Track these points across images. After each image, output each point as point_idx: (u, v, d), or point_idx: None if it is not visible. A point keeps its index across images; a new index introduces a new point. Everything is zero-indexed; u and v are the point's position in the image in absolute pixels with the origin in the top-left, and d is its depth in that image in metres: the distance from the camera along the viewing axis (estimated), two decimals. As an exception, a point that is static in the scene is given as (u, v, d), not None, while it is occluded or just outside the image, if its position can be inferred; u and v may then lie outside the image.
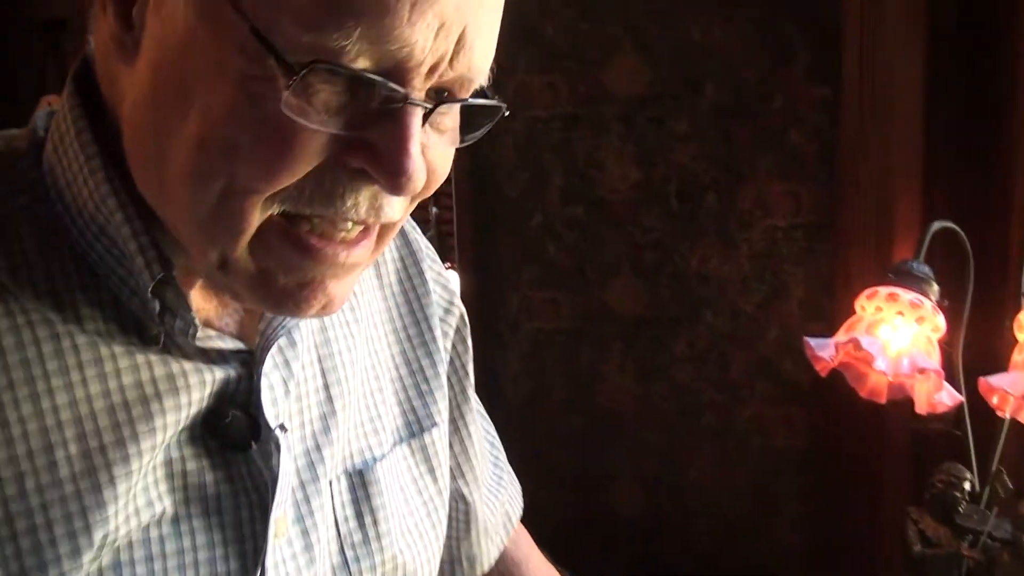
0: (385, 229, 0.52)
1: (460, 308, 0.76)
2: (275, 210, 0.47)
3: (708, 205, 1.85)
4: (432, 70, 0.45)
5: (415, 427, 0.69)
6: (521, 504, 0.85)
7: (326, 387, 0.62)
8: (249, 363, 0.56)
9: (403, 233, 0.72)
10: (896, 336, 1.24)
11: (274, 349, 0.57)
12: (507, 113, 0.50)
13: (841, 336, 1.26)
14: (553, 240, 1.93)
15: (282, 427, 0.57)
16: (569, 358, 1.87)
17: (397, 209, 0.50)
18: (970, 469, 1.26)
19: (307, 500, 0.59)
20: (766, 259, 1.81)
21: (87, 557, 0.50)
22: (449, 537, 0.78)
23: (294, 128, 0.44)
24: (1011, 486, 1.24)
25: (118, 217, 0.50)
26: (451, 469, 0.76)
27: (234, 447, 0.56)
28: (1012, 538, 1.19)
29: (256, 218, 0.47)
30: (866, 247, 1.58)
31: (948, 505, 1.25)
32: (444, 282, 0.75)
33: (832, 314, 1.58)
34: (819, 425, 1.84)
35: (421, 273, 0.72)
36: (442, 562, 0.80)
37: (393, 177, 0.46)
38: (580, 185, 1.93)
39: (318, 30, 0.42)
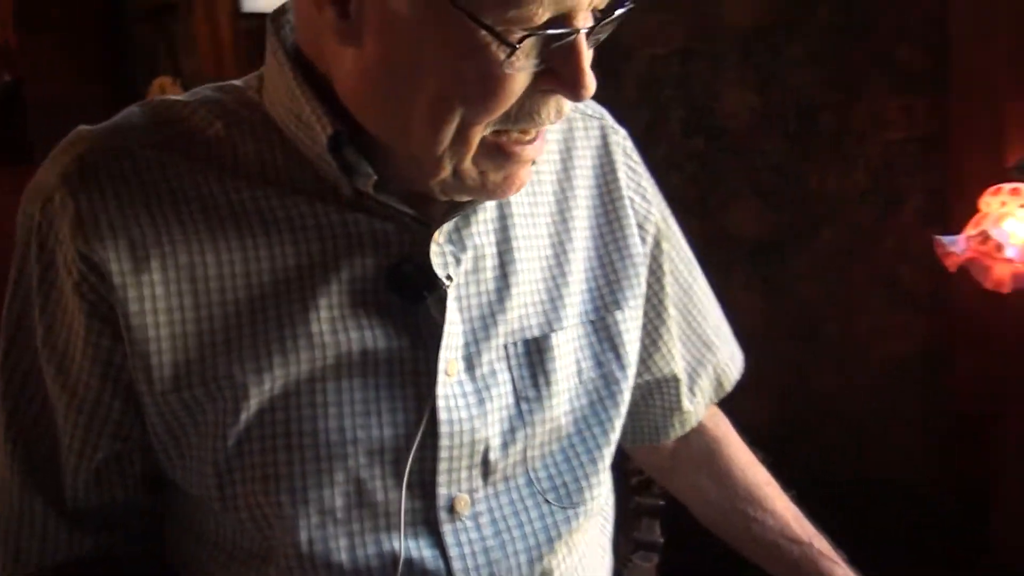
0: None
1: (658, 216, 0.89)
2: (488, 131, 0.65)
3: (824, 125, 1.94)
4: (589, 3, 0.62)
5: (601, 310, 0.82)
6: (738, 370, 0.99)
7: (501, 266, 0.77)
8: (426, 234, 0.72)
9: (606, 142, 0.87)
10: (1021, 226, 1.35)
11: (449, 226, 0.73)
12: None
13: (970, 230, 1.37)
14: (676, 171, 2.05)
15: (448, 277, 0.72)
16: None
17: (567, 109, 0.67)
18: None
19: (479, 353, 0.74)
20: (882, 173, 1.89)
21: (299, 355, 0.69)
22: (650, 405, 0.94)
23: (508, 77, 0.61)
24: None
25: (307, 109, 0.68)
26: (646, 347, 0.90)
27: (412, 297, 0.72)
28: None
29: (478, 140, 0.65)
30: (980, 153, 1.65)
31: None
32: (642, 192, 0.88)
33: (948, 221, 1.65)
34: (937, 331, 1.93)
35: (616, 180, 0.86)
36: (644, 425, 0.95)
37: (577, 90, 0.63)
38: (700, 117, 2.04)
39: (519, 7, 0.59)
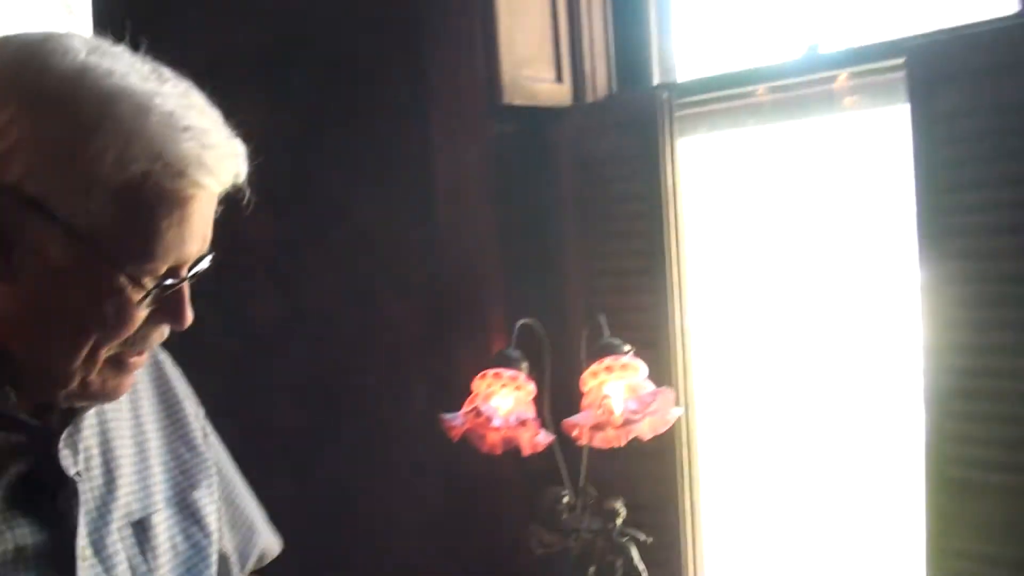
0: None
1: (203, 415, 1.13)
2: (112, 351, 0.84)
3: (346, 328, 2.21)
4: (190, 260, 0.85)
5: (181, 492, 1.02)
6: (279, 547, 1.20)
7: (106, 463, 0.93)
8: (51, 441, 0.87)
9: (158, 364, 1.07)
10: (503, 402, 1.70)
11: (66, 432, 0.88)
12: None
13: (466, 408, 1.70)
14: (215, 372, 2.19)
15: (78, 474, 0.88)
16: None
17: (167, 333, 0.89)
18: (565, 487, 1.75)
19: (102, 539, 0.89)
20: (396, 367, 2.17)
21: None
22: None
23: (137, 313, 0.82)
24: (595, 492, 1.74)
25: None
26: (217, 521, 1.08)
27: (49, 496, 0.86)
28: (601, 528, 1.68)
29: (104, 357, 0.83)
30: (473, 346, 2.00)
31: (555, 516, 1.72)
32: (191, 396, 1.12)
33: (452, 402, 1.95)
34: (454, 494, 2.18)
35: (172, 388, 1.08)
36: None
37: (182, 322, 0.86)
38: (234, 321, 2.22)
39: (152, 262, 0.81)
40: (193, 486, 1.04)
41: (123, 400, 0.97)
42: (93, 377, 0.84)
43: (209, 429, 1.14)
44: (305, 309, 2.22)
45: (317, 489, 2.19)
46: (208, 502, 1.05)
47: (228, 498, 1.14)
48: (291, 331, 2.24)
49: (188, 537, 1.00)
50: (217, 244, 0.88)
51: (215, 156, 0.81)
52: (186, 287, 0.85)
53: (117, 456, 0.95)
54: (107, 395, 0.88)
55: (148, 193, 0.78)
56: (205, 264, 0.87)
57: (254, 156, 0.87)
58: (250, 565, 1.16)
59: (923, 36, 1.69)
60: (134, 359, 0.87)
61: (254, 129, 0.90)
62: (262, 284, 2.27)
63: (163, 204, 0.79)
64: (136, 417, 1.01)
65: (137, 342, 0.85)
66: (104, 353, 0.83)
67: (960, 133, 1.56)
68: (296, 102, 2.17)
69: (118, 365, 0.85)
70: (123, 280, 0.79)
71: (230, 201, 0.88)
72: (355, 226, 2.14)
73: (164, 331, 0.88)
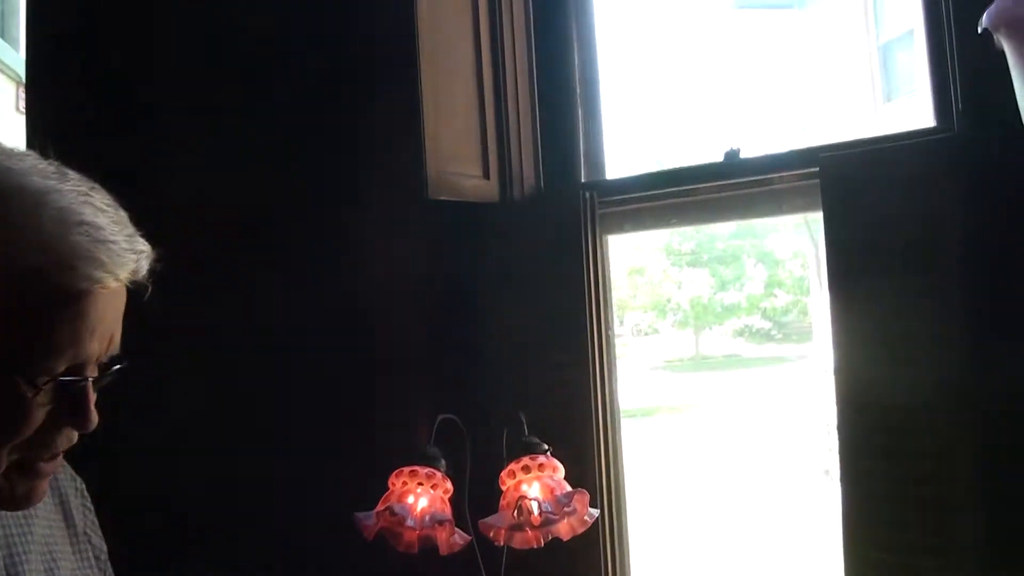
0: None
1: (104, 548, 1.10)
2: (16, 456, 0.81)
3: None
4: (98, 358, 0.83)
5: None
6: None
7: (10, 567, 0.90)
8: None
9: (60, 490, 1.04)
10: (419, 500, 1.67)
11: None
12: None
13: (380, 507, 1.67)
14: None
15: None
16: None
17: (75, 437, 0.86)
18: (483, 588, 1.71)
19: None
20: (317, 461, 2.13)
21: None
22: None
23: (32, 412, 0.80)
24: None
25: None
26: None
27: None
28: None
29: (5, 462, 0.80)
30: (394, 440, 1.98)
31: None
32: (88, 505, 1.09)
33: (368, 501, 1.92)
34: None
35: (73, 521, 1.04)
36: None
37: (86, 424, 0.84)
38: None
39: (45, 361, 0.78)
40: None
41: (29, 519, 0.96)
42: (0, 482, 0.81)
43: (106, 562, 1.11)
44: (226, 398, 2.18)
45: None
46: None
47: None
48: (212, 420, 2.19)
49: None
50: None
51: (109, 251, 0.80)
52: (89, 388, 0.82)
53: (22, 563, 0.92)
54: (18, 502, 0.84)
55: (40, 287, 0.76)
56: (115, 368, 0.85)
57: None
58: None
59: (835, 146, 1.75)
60: (43, 465, 0.84)
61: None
62: (185, 372, 2.23)
63: (54, 299, 0.77)
64: (44, 539, 0.98)
65: (42, 446, 0.82)
66: (5, 457, 0.80)
67: (868, 238, 1.62)
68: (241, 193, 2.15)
69: (27, 471, 0.82)
70: (16, 378, 0.77)
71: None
72: (281, 313, 2.12)
73: (71, 435, 0.85)
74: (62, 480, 1.05)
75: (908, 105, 10.07)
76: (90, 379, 0.82)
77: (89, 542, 1.06)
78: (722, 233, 22.49)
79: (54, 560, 0.98)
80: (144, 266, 0.84)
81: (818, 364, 11.56)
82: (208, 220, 2.02)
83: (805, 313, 20.66)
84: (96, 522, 1.09)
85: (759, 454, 12.86)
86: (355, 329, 2.02)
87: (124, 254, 0.81)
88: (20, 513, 0.94)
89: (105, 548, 1.09)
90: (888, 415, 1.61)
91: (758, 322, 24.08)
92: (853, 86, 11.56)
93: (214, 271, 1.99)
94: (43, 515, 0.99)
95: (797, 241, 18.70)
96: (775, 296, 23.46)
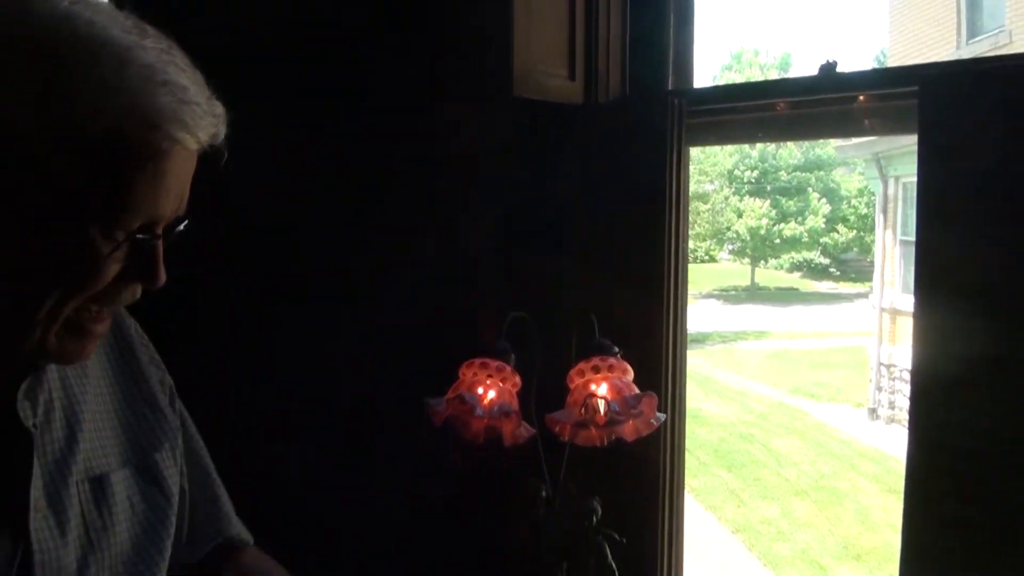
0: None
1: (170, 380, 1.12)
2: (76, 309, 0.82)
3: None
4: (169, 218, 0.85)
5: (141, 451, 1.02)
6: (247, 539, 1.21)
7: (67, 418, 0.93)
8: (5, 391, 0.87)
9: (121, 326, 1.06)
10: (488, 391, 1.70)
11: (25, 384, 0.88)
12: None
13: (450, 394, 1.70)
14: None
15: (34, 426, 0.88)
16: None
17: (139, 293, 0.88)
18: (544, 482, 1.75)
19: (57, 492, 0.89)
20: (389, 354, 2.17)
21: None
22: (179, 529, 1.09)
23: (107, 268, 0.81)
24: (574, 490, 1.74)
25: None
26: (181, 485, 1.09)
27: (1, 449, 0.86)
28: (577, 525, 1.69)
29: (64, 317, 0.82)
30: (465, 335, 2.00)
31: (533, 511, 1.72)
32: (157, 362, 1.11)
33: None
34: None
35: (134, 351, 1.07)
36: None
37: (155, 281, 0.85)
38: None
39: (125, 214, 0.80)
40: (155, 447, 1.03)
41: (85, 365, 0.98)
42: (51, 337, 0.82)
43: (179, 404, 1.13)
44: (307, 288, 2.21)
45: (299, 467, 2.20)
46: (170, 464, 1.05)
47: (195, 477, 1.14)
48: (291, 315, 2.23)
49: (146, 498, 1.00)
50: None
51: (192, 113, 0.81)
52: (160, 246, 0.84)
53: (78, 411, 0.95)
54: (64, 358, 0.87)
55: (123, 144, 0.77)
56: (182, 226, 0.87)
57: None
58: (207, 548, 1.16)
59: (937, 65, 1.69)
60: (96, 326, 0.86)
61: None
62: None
63: (137, 157, 0.79)
64: (98, 375, 1.01)
65: (105, 300, 0.84)
66: (68, 309, 0.81)
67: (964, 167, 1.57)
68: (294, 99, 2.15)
69: (79, 329, 0.84)
70: (93, 231, 0.79)
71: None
72: (357, 211, 2.14)
73: (135, 291, 0.87)
74: (119, 320, 1.07)
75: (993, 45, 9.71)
76: (161, 236, 0.84)
77: (151, 376, 1.08)
78: (787, 164, 22.10)
79: (104, 393, 1.01)
80: (222, 130, 0.85)
81: (876, 304, 11.44)
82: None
83: (867, 252, 20.37)
84: (155, 355, 1.12)
85: (807, 389, 12.86)
86: (433, 224, 2.03)
87: (205, 116, 0.82)
88: (79, 372, 0.98)
89: (171, 381, 1.12)
90: (963, 366, 1.57)
91: (817, 257, 23.79)
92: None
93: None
94: (101, 351, 1.02)
95: (864, 178, 18.36)
96: (837, 232, 23.10)
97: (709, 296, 21.45)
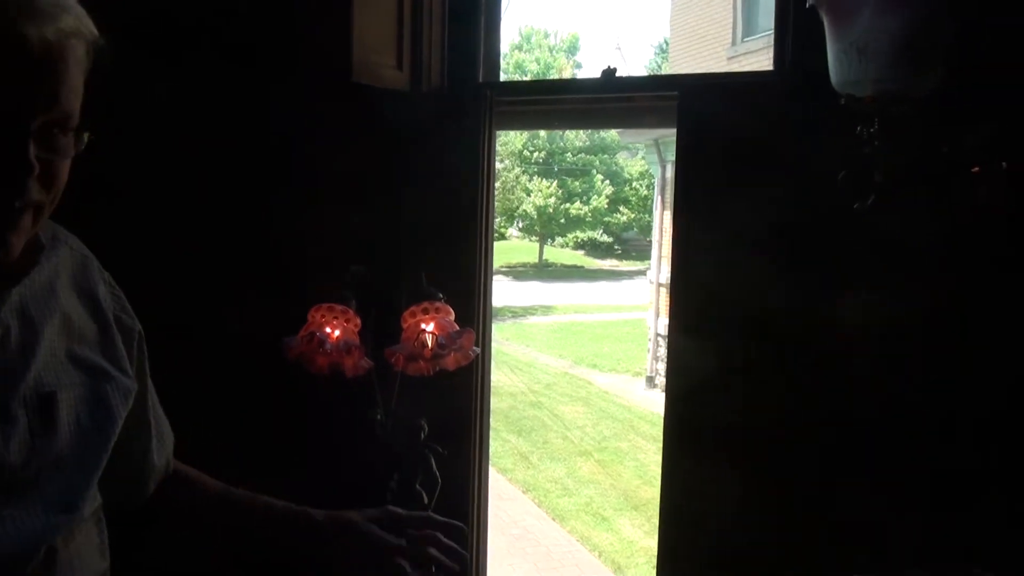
0: None
1: (139, 328, 1.20)
2: None
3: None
4: None
5: (94, 377, 1.08)
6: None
7: (22, 341, 1.00)
8: None
9: (84, 260, 1.14)
10: (334, 331, 2.02)
11: None
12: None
13: (302, 333, 2.01)
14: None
15: None
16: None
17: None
18: (379, 406, 2.10)
19: (6, 403, 0.96)
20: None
21: None
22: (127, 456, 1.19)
23: None
24: (404, 413, 2.10)
25: None
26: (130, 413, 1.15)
27: None
28: (407, 441, 2.05)
29: None
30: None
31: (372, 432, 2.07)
32: (117, 293, 1.19)
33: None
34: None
35: (93, 284, 1.14)
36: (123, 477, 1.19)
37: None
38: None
39: None
40: (107, 376, 1.10)
41: (46, 284, 1.05)
42: None
43: (144, 353, 1.21)
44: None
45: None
46: (118, 395, 1.11)
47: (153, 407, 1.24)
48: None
49: (94, 419, 1.06)
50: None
51: None
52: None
53: (35, 336, 1.01)
54: None
55: None
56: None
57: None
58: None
59: (692, 76, 2.16)
60: None
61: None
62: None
63: None
64: (60, 302, 1.07)
65: None
66: None
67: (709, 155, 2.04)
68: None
69: None
70: None
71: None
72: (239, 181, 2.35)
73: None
74: (87, 269, 1.15)
75: (767, 43, 10.71)
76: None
77: (119, 323, 1.16)
78: (573, 146, 23.09)
79: (66, 315, 1.07)
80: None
81: (653, 279, 12.39)
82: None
83: (647, 232, 21.70)
84: (127, 305, 1.19)
85: (591, 359, 13.71)
86: (285, 193, 2.30)
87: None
88: (44, 287, 1.06)
89: (139, 328, 1.19)
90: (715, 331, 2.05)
91: (601, 236, 24.99)
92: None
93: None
94: (65, 295, 1.08)
95: (646, 162, 19.53)
96: (619, 213, 24.35)
97: (498, 273, 22.13)
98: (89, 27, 0.93)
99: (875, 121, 1.52)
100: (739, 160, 1.99)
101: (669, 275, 2.13)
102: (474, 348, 2.01)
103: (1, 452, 0.95)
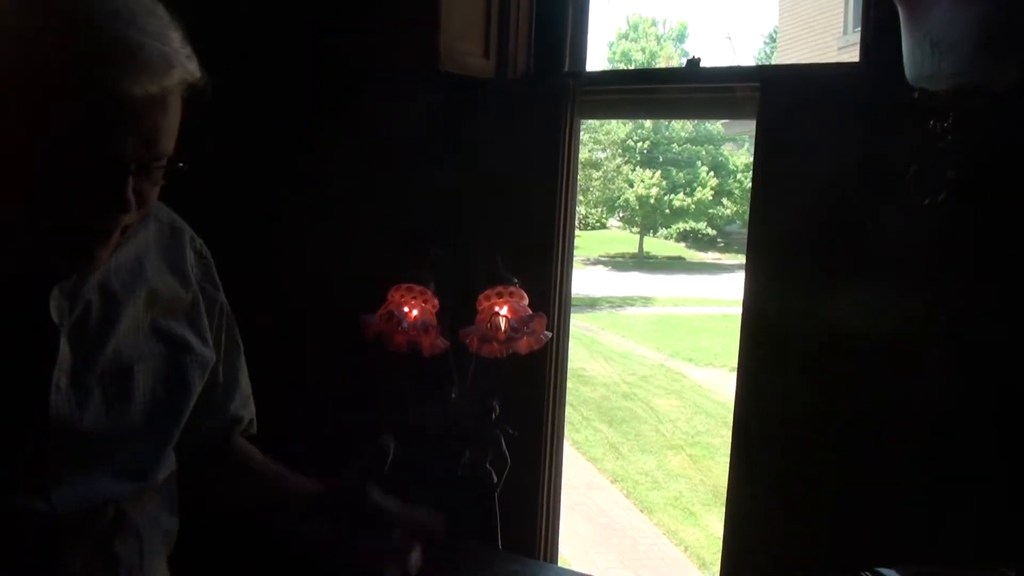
0: None
1: (223, 297, 1.23)
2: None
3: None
4: None
5: (175, 350, 1.12)
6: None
7: (104, 316, 1.03)
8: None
9: (179, 244, 1.17)
10: (412, 310, 2.09)
11: (62, 286, 1.00)
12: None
13: (381, 312, 2.08)
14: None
15: (61, 323, 0.98)
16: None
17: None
18: (454, 385, 2.16)
19: (82, 376, 1.00)
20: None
21: None
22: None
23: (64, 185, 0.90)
24: (478, 393, 2.15)
25: None
26: (210, 383, 1.20)
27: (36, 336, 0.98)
28: (479, 421, 2.11)
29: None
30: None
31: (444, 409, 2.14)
32: (206, 262, 1.21)
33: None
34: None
35: (182, 255, 1.17)
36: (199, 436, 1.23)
37: (109, 208, 0.93)
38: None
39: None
40: (188, 348, 1.13)
41: (132, 259, 1.08)
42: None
43: (227, 320, 1.24)
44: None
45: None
46: (196, 368, 1.14)
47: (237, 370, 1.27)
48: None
49: (169, 392, 1.09)
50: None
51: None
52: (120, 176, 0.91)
53: (117, 311, 1.04)
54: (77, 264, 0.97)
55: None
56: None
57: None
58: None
59: (775, 67, 2.14)
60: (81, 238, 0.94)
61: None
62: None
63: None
64: (146, 276, 1.10)
65: (67, 216, 0.91)
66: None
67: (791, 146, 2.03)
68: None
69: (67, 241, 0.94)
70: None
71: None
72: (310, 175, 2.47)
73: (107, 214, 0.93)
74: (183, 236, 1.18)
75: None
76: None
77: (204, 292, 1.18)
78: (679, 136, 22.80)
79: (150, 288, 1.09)
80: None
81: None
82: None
83: (749, 225, 21.21)
84: (214, 274, 1.22)
85: (687, 353, 13.59)
86: (371, 176, 2.39)
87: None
88: (130, 262, 1.08)
89: (222, 299, 1.22)
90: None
91: (704, 228, 24.62)
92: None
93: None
94: (152, 270, 1.11)
95: (750, 154, 19.02)
96: (723, 205, 23.95)
97: (597, 263, 22.05)
98: (194, 72, 0.93)
99: (949, 115, 1.49)
100: (814, 153, 1.97)
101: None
102: (546, 332, 2.05)
103: (75, 421, 0.99)
